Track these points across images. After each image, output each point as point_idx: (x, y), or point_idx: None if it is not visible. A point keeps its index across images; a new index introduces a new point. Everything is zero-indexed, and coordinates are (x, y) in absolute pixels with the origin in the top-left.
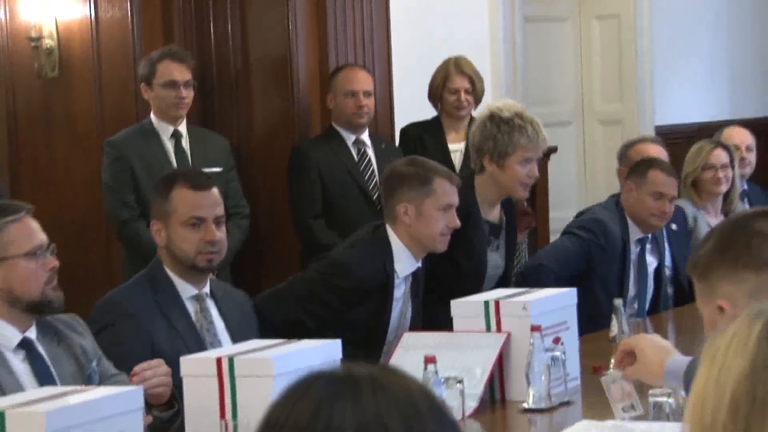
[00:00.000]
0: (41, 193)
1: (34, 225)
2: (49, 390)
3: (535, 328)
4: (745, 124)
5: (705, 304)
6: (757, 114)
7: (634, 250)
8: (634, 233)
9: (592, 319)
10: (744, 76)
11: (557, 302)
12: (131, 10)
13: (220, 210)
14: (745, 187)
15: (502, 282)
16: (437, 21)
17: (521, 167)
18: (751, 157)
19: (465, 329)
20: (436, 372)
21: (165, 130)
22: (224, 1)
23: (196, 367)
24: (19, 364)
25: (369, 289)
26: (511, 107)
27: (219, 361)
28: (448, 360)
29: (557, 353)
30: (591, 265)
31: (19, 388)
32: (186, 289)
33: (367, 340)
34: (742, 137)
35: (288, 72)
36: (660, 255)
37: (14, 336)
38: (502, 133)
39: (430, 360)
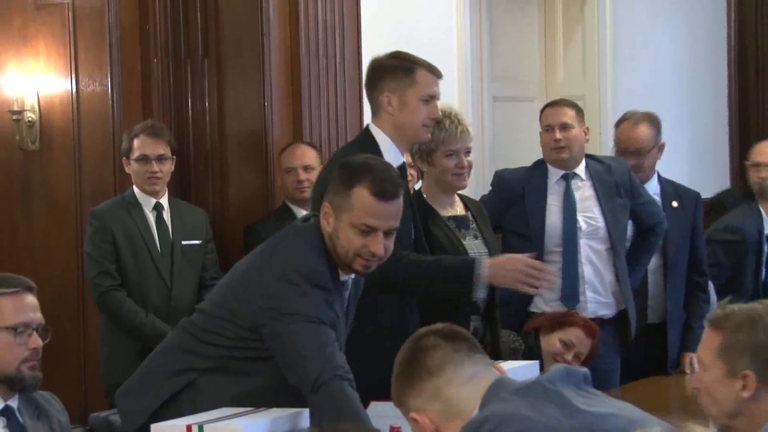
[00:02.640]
0: (19, 264)
1: (29, 302)
2: None
3: None
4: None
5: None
6: (716, 193)
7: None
8: None
9: None
10: (703, 159)
11: (521, 374)
12: (111, 85)
13: (396, 223)
14: None
15: None
16: None
17: (448, 160)
18: None
19: None
20: None
21: (147, 202)
22: (202, 77)
23: None
24: (1, 431)
25: None
26: None
27: (189, 428)
28: None
29: None
30: None
31: None
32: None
33: None
34: None
35: (263, 147)
36: None
37: None
38: None
39: (395, 429)
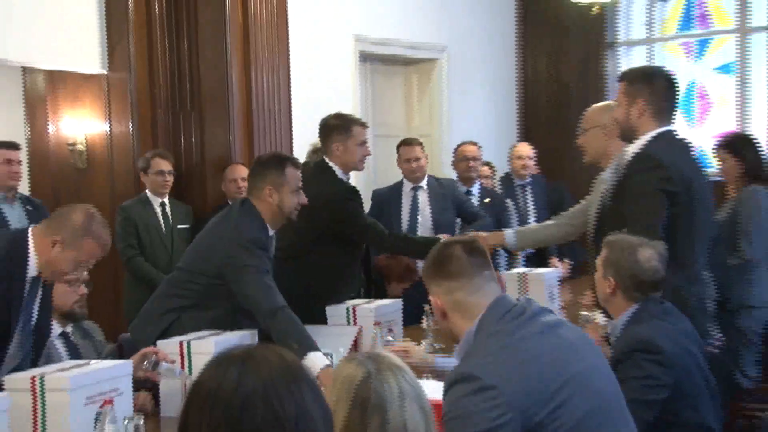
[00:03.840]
0: None
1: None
2: (73, 362)
3: (377, 323)
4: None
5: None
6: None
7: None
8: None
9: None
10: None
11: (392, 306)
12: (132, 127)
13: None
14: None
15: None
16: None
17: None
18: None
19: (335, 324)
20: None
21: (156, 201)
22: (189, 122)
23: (165, 347)
24: (61, 347)
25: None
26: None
27: (181, 344)
28: (323, 342)
29: (390, 338)
30: None
31: (60, 361)
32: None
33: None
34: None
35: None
36: None
37: (57, 329)
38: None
39: None
